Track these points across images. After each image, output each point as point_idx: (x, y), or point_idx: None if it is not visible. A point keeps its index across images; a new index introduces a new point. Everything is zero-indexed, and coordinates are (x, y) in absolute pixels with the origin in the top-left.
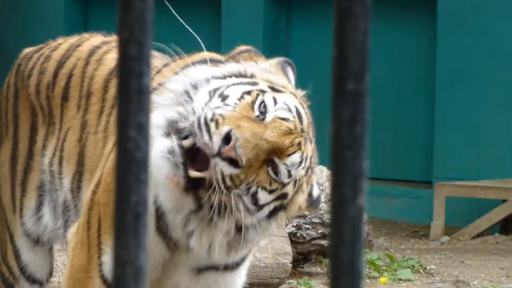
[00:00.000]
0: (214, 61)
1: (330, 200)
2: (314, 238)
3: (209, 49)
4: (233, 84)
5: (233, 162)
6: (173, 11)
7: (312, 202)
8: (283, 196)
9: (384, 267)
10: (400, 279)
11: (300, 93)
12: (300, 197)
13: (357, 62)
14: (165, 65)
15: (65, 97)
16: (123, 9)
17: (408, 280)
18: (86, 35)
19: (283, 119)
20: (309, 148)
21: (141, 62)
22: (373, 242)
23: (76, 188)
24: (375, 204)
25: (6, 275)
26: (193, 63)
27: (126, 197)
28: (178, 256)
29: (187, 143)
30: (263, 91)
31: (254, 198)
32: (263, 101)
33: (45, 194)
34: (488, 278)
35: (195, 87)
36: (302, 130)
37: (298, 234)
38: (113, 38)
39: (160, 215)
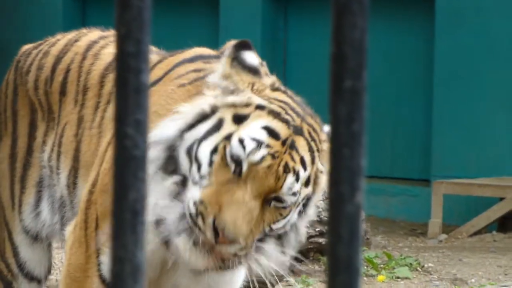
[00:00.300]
0: (205, 58)
1: (328, 198)
2: (312, 236)
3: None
4: (202, 140)
5: (233, 241)
6: None
7: None
8: (299, 209)
9: (382, 265)
10: (398, 277)
11: (269, 80)
12: (318, 190)
13: (354, 60)
14: (159, 61)
15: (63, 92)
16: (121, 6)
17: (406, 278)
18: (84, 30)
19: (258, 162)
20: (301, 148)
21: (139, 59)
22: (371, 240)
23: (72, 184)
24: (373, 202)
25: (4, 272)
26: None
27: (124, 194)
28: None
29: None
30: (228, 137)
31: (272, 233)
32: (232, 154)
33: (44, 189)
34: (486, 276)
35: (172, 149)
36: (284, 142)
37: None
38: (110, 33)
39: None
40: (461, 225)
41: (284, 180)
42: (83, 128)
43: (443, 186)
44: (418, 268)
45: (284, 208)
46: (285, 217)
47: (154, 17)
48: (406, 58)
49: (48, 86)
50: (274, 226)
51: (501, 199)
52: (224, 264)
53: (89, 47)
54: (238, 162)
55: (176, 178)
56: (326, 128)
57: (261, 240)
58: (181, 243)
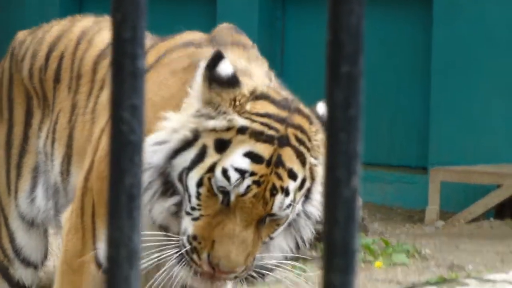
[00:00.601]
0: (197, 43)
1: (324, 182)
2: None
3: None
4: (189, 170)
5: (230, 272)
6: None
7: None
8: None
9: (379, 252)
10: (395, 264)
11: (250, 85)
12: (317, 179)
13: (351, 45)
14: (151, 47)
15: (57, 79)
16: None
17: (403, 264)
18: (78, 16)
19: (244, 193)
20: (288, 160)
21: (135, 44)
22: (368, 227)
23: (66, 171)
24: (370, 189)
25: (0, 258)
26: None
27: (121, 179)
28: None
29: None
30: (212, 168)
31: (272, 241)
32: (218, 186)
33: (39, 175)
34: (483, 263)
35: (166, 174)
36: (269, 163)
37: None
38: (104, 19)
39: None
40: (459, 212)
41: (273, 203)
42: (77, 115)
43: (440, 173)
44: (415, 255)
45: (280, 219)
46: (283, 224)
47: (151, 4)
48: (403, 46)
49: (42, 74)
50: (273, 235)
51: (499, 186)
52: (226, 282)
53: (82, 34)
54: (224, 192)
55: (175, 199)
56: (321, 108)
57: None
58: (182, 273)
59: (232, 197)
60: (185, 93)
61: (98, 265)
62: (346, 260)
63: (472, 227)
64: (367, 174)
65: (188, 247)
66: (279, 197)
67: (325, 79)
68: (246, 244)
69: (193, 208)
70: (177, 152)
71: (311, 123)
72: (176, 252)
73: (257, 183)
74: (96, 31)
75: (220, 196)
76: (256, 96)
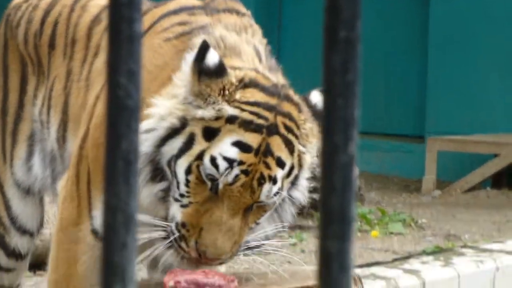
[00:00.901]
0: (190, 9)
1: (321, 148)
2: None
3: None
4: (177, 157)
5: (217, 259)
6: None
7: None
8: (283, 197)
9: (375, 221)
10: (391, 233)
11: (239, 72)
12: (305, 167)
13: (349, 10)
14: (144, 13)
15: (52, 45)
16: None
17: (399, 233)
18: None
19: (232, 182)
20: (276, 148)
21: (132, 8)
22: (365, 196)
23: (62, 137)
24: (367, 158)
25: None
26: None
27: (117, 144)
28: None
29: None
30: (200, 156)
31: (259, 227)
32: (206, 174)
33: (36, 144)
34: (479, 232)
35: (156, 161)
36: (257, 152)
37: None
38: None
39: None
40: (455, 182)
41: (260, 191)
42: (72, 81)
43: (437, 143)
44: (412, 224)
45: (267, 205)
46: (270, 210)
47: None
48: (401, 17)
49: (37, 40)
50: (259, 221)
51: (496, 155)
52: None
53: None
54: (213, 180)
55: (163, 184)
56: (315, 97)
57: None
58: (169, 257)
59: (220, 186)
60: (178, 61)
61: (94, 233)
62: (343, 227)
63: (469, 196)
64: (364, 143)
65: (176, 234)
66: (266, 185)
67: (322, 45)
68: (232, 232)
69: (181, 195)
70: (165, 140)
71: (300, 111)
72: (164, 238)
73: (245, 172)
74: None
75: (209, 184)
76: (245, 84)
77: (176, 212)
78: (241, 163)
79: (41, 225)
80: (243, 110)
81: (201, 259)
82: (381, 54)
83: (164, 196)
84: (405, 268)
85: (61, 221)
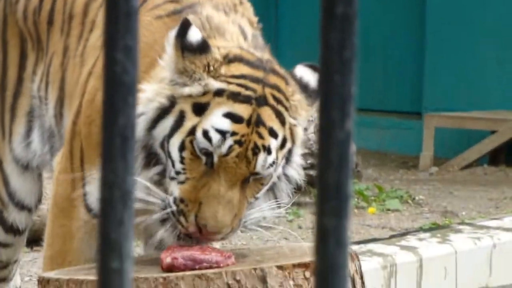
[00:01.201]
0: None
1: (318, 124)
2: (303, 169)
3: None
4: (169, 136)
5: (217, 233)
6: None
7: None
8: (282, 163)
9: (372, 198)
10: (388, 210)
11: (223, 48)
12: (297, 141)
13: None
14: None
15: (50, 22)
16: None
17: (397, 210)
18: None
19: (226, 153)
20: (268, 119)
21: None
22: (362, 173)
23: (59, 114)
24: (365, 134)
25: None
26: None
27: (114, 120)
28: None
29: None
30: (192, 131)
31: (256, 205)
32: (200, 148)
33: (35, 120)
34: (476, 209)
35: (148, 146)
36: (249, 122)
37: None
38: None
39: None
40: (452, 158)
41: (256, 162)
42: (68, 57)
43: (434, 119)
44: (409, 201)
45: (264, 177)
46: (267, 183)
47: None
48: None
49: (36, 16)
50: (258, 195)
51: (493, 132)
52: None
53: None
54: (207, 154)
55: (157, 168)
56: (299, 70)
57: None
58: (165, 233)
59: (215, 158)
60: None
61: (87, 208)
62: (340, 204)
63: (466, 173)
64: (361, 119)
65: (174, 208)
66: (261, 155)
67: (320, 21)
68: (232, 204)
69: (177, 173)
70: (155, 121)
71: (287, 83)
72: (161, 211)
73: (238, 142)
74: None
75: (203, 158)
76: (230, 59)
77: (174, 188)
78: (233, 133)
79: (39, 201)
80: (229, 83)
81: (201, 234)
82: (379, 31)
83: (160, 179)
84: (402, 245)
85: (56, 197)
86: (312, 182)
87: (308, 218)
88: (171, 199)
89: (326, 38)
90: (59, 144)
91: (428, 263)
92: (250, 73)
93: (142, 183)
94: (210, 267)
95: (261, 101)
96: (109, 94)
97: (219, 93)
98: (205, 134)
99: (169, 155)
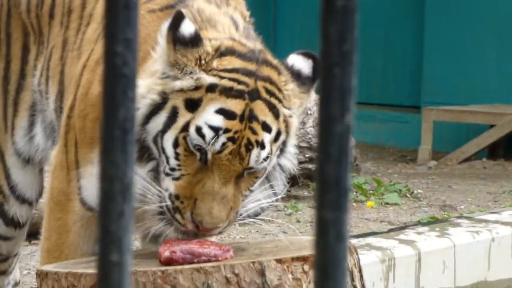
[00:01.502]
0: None
1: (318, 118)
2: (301, 162)
3: None
4: (163, 132)
5: (214, 229)
6: None
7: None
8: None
9: (371, 191)
10: (387, 203)
11: (214, 41)
12: (292, 132)
13: None
14: None
15: (51, 15)
16: None
17: (395, 204)
18: None
19: (220, 150)
20: (261, 113)
21: None
22: (361, 166)
23: (59, 108)
24: (363, 128)
25: None
26: None
27: (114, 112)
28: None
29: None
30: (186, 127)
31: (252, 196)
32: (194, 145)
33: (37, 114)
34: (475, 203)
35: (142, 141)
36: (242, 118)
37: None
38: None
39: None
40: (451, 152)
41: (249, 158)
42: (67, 51)
43: (433, 113)
44: (407, 195)
45: (258, 171)
46: (262, 176)
47: None
48: None
49: (39, 9)
50: (253, 188)
51: (492, 126)
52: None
53: None
54: (201, 150)
55: (151, 164)
56: (291, 59)
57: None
58: (161, 227)
59: (209, 155)
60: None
61: (82, 202)
62: (339, 197)
63: (465, 167)
64: (359, 113)
65: (169, 203)
66: (255, 151)
67: (320, 13)
68: (227, 200)
69: (172, 169)
70: (148, 117)
71: (279, 73)
72: (158, 208)
73: (232, 139)
74: None
75: (198, 154)
76: (222, 52)
77: (169, 184)
78: (227, 130)
79: (40, 194)
80: (222, 77)
81: (199, 231)
82: (378, 25)
83: (154, 175)
84: (400, 239)
85: (52, 191)
86: (311, 175)
87: (306, 212)
88: (166, 194)
89: (326, 30)
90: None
91: (427, 257)
92: (242, 66)
93: (138, 178)
94: (209, 261)
95: (254, 95)
96: (109, 86)
97: (211, 88)
98: (198, 130)
99: (163, 151)
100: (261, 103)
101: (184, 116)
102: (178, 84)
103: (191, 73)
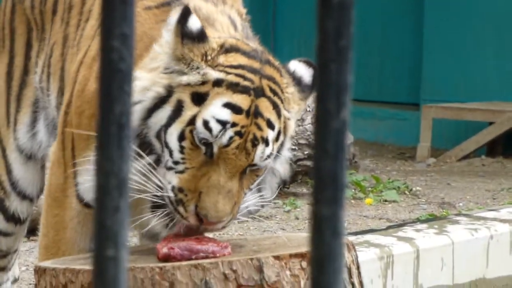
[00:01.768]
0: None
1: (314, 114)
2: (300, 159)
3: None
4: (167, 126)
5: (217, 223)
6: None
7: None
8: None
9: (370, 189)
10: (385, 201)
11: (219, 38)
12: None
13: None
14: None
15: (54, 11)
16: None
17: (394, 201)
18: None
19: (226, 144)
20: (265, 110)
21: None
22: (359, 164)
23: (60, 105)
24: (362, 125)
25: None
26: None
27: (110, 107)
28: None
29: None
30: (192, 121)
31: (250, 191)
32: (200, 138)
33: (40, 110)
34: (473, 200)
35: (142, 136)
36: (248, 113)
37: None
38: None
39: None
40: (450, 149)
41: (255, 153)
42: (68, 47)
43: (432, 110)
44: (406, 192)
45: (260, 169)
46: (262, 175)
47: None
48: None
49: (42, 5)
50: (252, 186)
51: (491, 123)
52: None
53: None
54: (207, 144)
55: (151, 158)
56: (293, 65)
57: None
58: (158, 224)
59: (215, 149)
60: (158, 31)
61: (79, 198)
62: (335, 193)
63: (464, 164)
64: (359, 110)
65: (172, 195)
66: (260, 147)
67: (316, 9)
68: (232, 194)
69: (176, 162)
70: (151, 111)
71: (281, 75)
72: (159, 199)
73: (238, 133)
74: None
75: (203, 148)
76: (227, 49)
77: (172, 178)
78: (234, 124)
79: (41, 191)
80: (228, 73)
81: (201, 224)
82: (377, 22)
83: (154, 169)
84: (399, 236)
85: (50, 187)
86: (309, 172)
87: (305, 208)
88: (169, 187)
89: (322, 26)
90: None
91: (425, 254)
92: (247, 63)
93: (138, 169)
94: (207, 257)
95: (259, 92)
96: (106, 81)
97: (218, 83)
98: (206, 124)
99: (166, 145)
100: (265, 101)
101: (190, 110)
102: (185, 78)
103: (197, 68)
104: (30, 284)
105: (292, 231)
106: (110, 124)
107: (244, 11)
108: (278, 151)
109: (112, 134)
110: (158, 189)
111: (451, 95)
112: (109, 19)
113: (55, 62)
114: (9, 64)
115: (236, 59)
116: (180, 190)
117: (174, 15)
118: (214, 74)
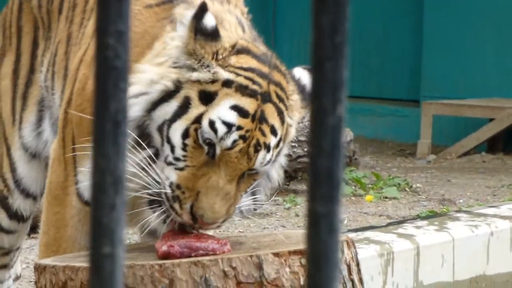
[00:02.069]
0: None
1: (310, 110)
2: (300, 156)
3: None
4: (171, 121)
5: (212, 224)
6: None
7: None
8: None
9: (370, 185)
10: (386, 197)
11: (232, 38)
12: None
13: None
14: None
15: (60, 10)
16: None
17: (394, 198)
18: None
19: (230, 147)
20: (270, 116)
21: None
22: (360, 161)
23: None
24: (362, 122)
25: (0, 187)
26: None
27: (106, 105)
28: None
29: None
30: (198, 119)
31: (245, 193)
32: (204, 138)
33: (45, 109)
34: (474, 197)
35: (143, 127)
36: (254, 117)
37: None
38: None
39: None
40: (450, 146)
41: (256, 158)
42: (71, 46)
43: (432, 107)
44: (406, 189)
45: (258, 174)
46: (258, 179)
47: None
48: None
49: (49, 4)
50: (248, 190)
51: (491, 120)
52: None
53: None
54: (210, 145)
55: (149, 151)
56: (298, 72)
57: None
58: (156, 221)
59: (218, 150)
60: (159, 30)
61: (79, 196)
62: (331, 189)
63: (464, 161)
64: (359, 107)
65: (169, 191)
66: (262, 153)
67: (312, 5)
68: (229, 197)
69: (177, 159)
70: (156, 104)
71: (287, 82)
72: (153, 201)
73: (243, 137)
74: None
75: (206, 148)
76: (238, 50)
77: (170, 173)
78: (239, 128)
79: (44, 189)
80: (238, 75)
81: (195, 224)
82: (377, 19)
83: (150, 162)
84: (399, 233)
85: (50, 185)
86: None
87: (305, 206)
88: (166, 183)
89: (318, 22)
90: None
91: (425, 251)
92: (257, 67)
93: (137, 162)
94: (206, 255)
95: (266, 97)
96: (101, 79)
97: (227, 83)
98: (211, 124)
99: (168, 140)
100: (271, 106)
101: (197, 108)
102: (194, 75)
103: (208, 66)
104: (30, 281)
105: (292, 228)
106: (106, 121)
107: (245, 9)
108: (276, 157)
109: (108, 131)
110: (156, 184)
111: (451, 91)
112: (104, 16)
113: (59, 61)
114: (15, 62)
115: (247, 61)
116: (178, 187)
117: (190, 11)
118: (224, 74)
